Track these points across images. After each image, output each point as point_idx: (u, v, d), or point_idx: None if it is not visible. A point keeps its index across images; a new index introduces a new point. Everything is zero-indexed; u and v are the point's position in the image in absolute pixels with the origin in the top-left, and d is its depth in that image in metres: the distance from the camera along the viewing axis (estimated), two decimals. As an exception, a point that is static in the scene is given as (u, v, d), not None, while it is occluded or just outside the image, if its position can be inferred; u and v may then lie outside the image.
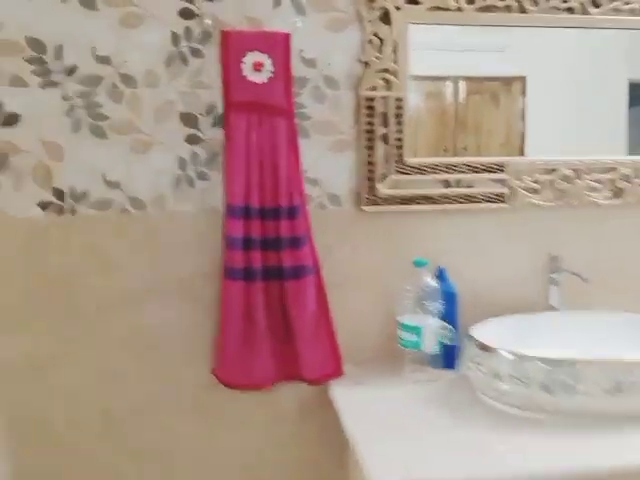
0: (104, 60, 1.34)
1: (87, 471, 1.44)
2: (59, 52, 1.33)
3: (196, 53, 1.37)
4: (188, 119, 1.39)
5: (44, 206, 1.36)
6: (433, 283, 1.38)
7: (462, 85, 1.51)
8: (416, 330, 1.36)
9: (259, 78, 1.35)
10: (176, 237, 1.41)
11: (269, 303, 1.38)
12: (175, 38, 1.36)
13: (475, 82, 1.52)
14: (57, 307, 1.38)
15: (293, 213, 1.36)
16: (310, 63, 1.41)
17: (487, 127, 1.52)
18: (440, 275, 1.42)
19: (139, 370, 1.43)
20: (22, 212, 1.35)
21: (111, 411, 1.43)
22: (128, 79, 1.36)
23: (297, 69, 1.40)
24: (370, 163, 1.45)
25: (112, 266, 1.39)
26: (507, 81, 1.52)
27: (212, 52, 1.37)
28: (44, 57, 1.32)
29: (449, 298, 1.41)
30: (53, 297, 1.38)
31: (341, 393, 1.36)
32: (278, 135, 1.36)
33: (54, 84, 1.33)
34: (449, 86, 1.51)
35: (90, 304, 1.40)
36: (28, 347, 1.38)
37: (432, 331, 1.37)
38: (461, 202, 1.50)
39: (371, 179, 1.45)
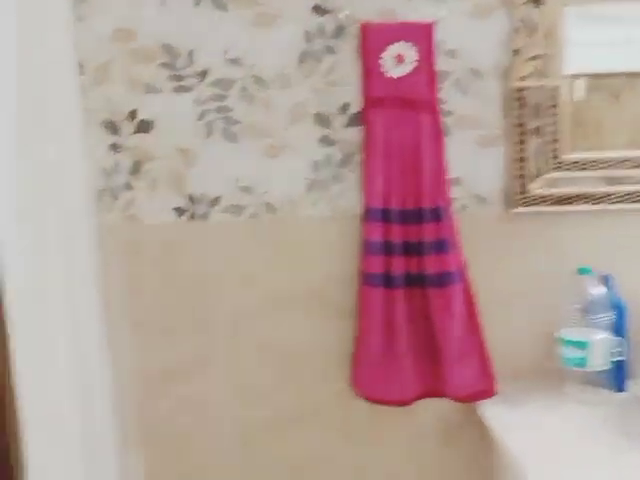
0: (235, 62, 1.22)
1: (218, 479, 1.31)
2: (191, 57, 1.22)
3: (330, 50, 1.22)
4: (321, 119, 1.23)
5: (177, 212, 1.25)
6: (600, 293, 1.14)
7: (581, 82, 1.25)
8: (581, 346, 1.12)
9: (400, 71, 1.18)
10: (310, 242, 1.25)
11: (411, 312, 1.20)
12: (308, 36, 1.21)
13: (595, 79, 1.25)
14: (192, 316, 1.27)
15: (438, 215, 1.17)
16: (452, 54, 1.22)
17: (608, 125, 1.25)
18: (606, 283, 1.17)
19: (274, 382, 1.29)
20: (156, 218, 1.25)
21: (245, 422, 1.30)
22: (260, 81, 1.22)
23: (438, 61, 1.21)
24: (521, 160, 1.23)
25: (245, 273, 1.26)
26: (631, 76, 1.25)
27: (347, 48, 1.21)
28: (177, 63, 1.22)
29: (617, 309, 1.16)
30: (188, 304, 1.27)
31: (494, 413, 1.15)
32: (421, 131, 1.18)
33: (186, 89, 1.22)
34: (567, 83, 1.25)
35: (224, 314, 1.27)
36: (164, 356, 1.27)
37: (600, 347, 1.12)
38: (627, 201, 1.24)
39: (522, 177, 1.23)
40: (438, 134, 1.19)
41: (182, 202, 1.25)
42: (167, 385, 1.28)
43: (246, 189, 1.25)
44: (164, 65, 1.22)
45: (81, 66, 1.21)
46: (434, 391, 1.22)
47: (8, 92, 1.13)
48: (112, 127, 1.23)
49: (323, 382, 1.28)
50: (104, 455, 1.27)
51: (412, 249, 1.18)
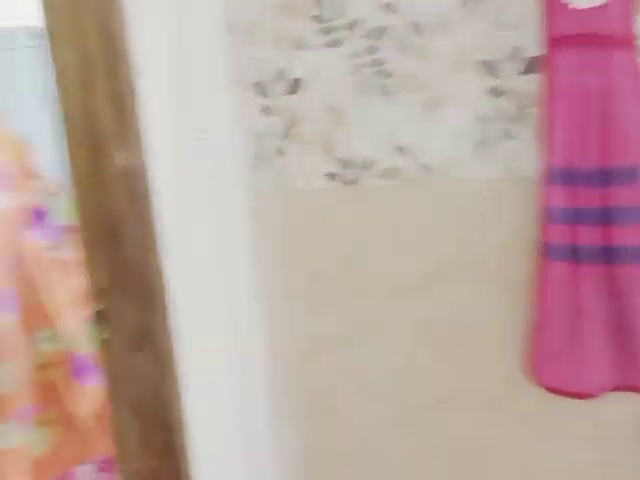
0: (389, 8, 1.03)
1: (377, 457, 1.18)
2: (342, 6, 1.05)
3: (499, -16, 0.99)
4: (489, 67, 1.01)
5: (329, 176, 1.10)
6: None
7: None
8: None
9: (590, 1, 0.92)
10: (476, 208, 1.05)
11: (603, 291, 0.97)
12: (472, -30, 0.99)
13: None
14: (346, 286, 1.13)
15: (637, 176, 0.91)
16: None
17: None
18: None
19: (436, 360, 1.12)
20: (307, 184, 1.11)
21: (403, 401, 1.15)
22: (417, 27, 1.03)
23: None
24: None
25: (403, 242, 1.09)
26: None
27: (519, -21, 0.98)
28: (327, 15, 1.06)
29: None
30: (342, 275, 1.13)
31: None
32: (616, 74, 0.92)
33: (337, 43, 1.06)
34: None
35: (381, 284, 1.12)
36: (317, 329, 1.15)
37: None
38: None
39: None
40: (637, 76, 0.92)
41: (334, 167, 1.10)
42: (325, 357, 1.16)
43: (402, 149, 1.06)
44: (314, 18, 1.06)
45: (230, 26, 1.09)
46: (630, 384, 0.98)
47: (159, 58, 1.06)
48: (262, 88, 1.11)
49: (491, 365, 1.09)
50: (261, 426, 1.20)
51: (604, 217, 0.94)
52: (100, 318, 1.15)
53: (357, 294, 1.13)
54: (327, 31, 1.06)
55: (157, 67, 1.08)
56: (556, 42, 0.95)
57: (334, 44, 1.06)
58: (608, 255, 0.94)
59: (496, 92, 1.02)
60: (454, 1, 1.01)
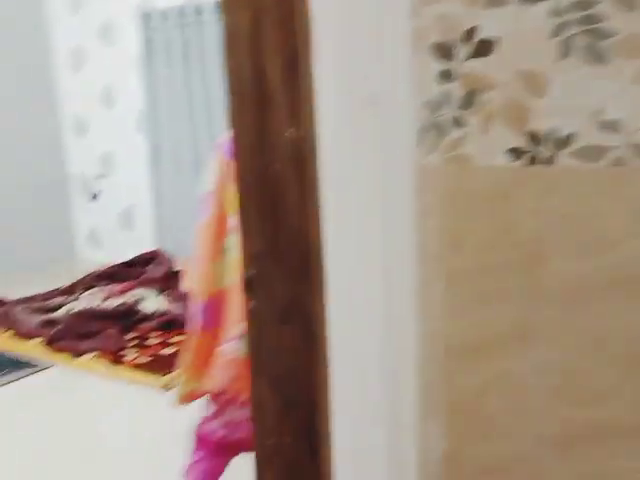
0: (614, -46, 0.82)
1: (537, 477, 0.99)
2: (552, -46, 0.86)
3: None
4: None
5: (514, 154, 0.92)
6: None
7: None
8: None
9: None
10: None
11: None
12: None
13: None
14: (518, 283, 0.95)
15: None
16: None
17: None
18: None
19: (613, 381, 0.92)
20: (487, 160, 0.94)
21: (569, 423, 0.95)
22: (647, -23, 0.81)
23: None
24: None
25: (594, 238, 0.89)
26: None
27: None
28: (531, -36, 0.87)
29: None
30: (514, 269, 0.95)
31: None
32: None
33: (541, -3, 0.87)
34: None
35: (560, 284, 0.93)
36: (476, 324, 0.99)
37: None
38: None
39: None
40: None
41: (521, 142, 0.91)
42: (479, 358, 1.00)
43: (611, 125, 0.86)
44: (514, -31, 0.88)
45: (414, -21, 0.95)
46: None
47: (333, 17, 0.96)
48: (444, 50, 0.95)
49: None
50: (406, 421, 1.07)
51: None
52: (250, 285, 1.07)
53: (528, 292, 0.95)
54: (529, -16, 0.88)
55: (330, 26, 0.97)
56: None
57: (534, 0, 0.87)
58: None
59: None
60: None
